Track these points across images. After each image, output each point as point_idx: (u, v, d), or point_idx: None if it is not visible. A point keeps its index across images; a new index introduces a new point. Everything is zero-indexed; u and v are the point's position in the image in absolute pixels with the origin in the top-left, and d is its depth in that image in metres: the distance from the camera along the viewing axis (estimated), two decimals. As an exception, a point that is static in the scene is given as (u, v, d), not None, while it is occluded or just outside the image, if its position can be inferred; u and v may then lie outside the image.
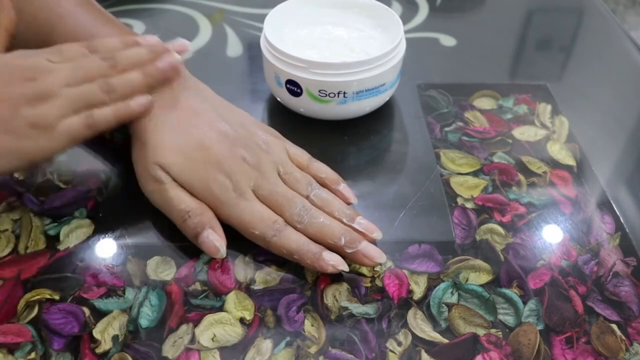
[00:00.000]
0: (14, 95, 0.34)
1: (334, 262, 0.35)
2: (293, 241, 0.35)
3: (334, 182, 0.39)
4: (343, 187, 0.39)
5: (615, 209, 0.40)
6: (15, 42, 0.43)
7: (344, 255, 0.35)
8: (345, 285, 0.36)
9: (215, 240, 0.35)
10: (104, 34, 0.41)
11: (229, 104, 0.41)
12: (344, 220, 0.37)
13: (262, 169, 0.37)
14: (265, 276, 0.36)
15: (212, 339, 0.33)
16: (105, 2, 0.61)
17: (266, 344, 0.33)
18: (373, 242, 0.36)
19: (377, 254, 0.35)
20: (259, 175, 0.37)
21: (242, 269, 0.36)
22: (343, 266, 0.35)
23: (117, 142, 0.45)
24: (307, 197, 0.38)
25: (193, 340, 0.33)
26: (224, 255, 0.36)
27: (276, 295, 0.35)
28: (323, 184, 0.39)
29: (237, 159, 0.37)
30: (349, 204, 0.39)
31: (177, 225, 0.37)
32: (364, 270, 0.36)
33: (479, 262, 0.37)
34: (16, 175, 0.42)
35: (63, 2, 0.43)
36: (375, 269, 0.36)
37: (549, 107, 0.49)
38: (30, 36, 0.42)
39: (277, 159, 0.38)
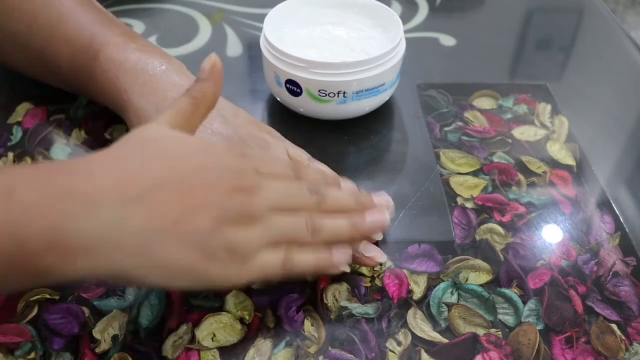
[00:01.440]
0: (218, 206, 0.28)
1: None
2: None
3: (334, 181, 0.39)
4: (342, 186, 0.39)
5: (615, 209, 0.40)
6: (16, 41, 0.43)
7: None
8: (345, 285, 0.36)
9: None
10: (105, 34, 0.41)
11: (229, 104, 0.41)
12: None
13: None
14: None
15: (212, 339, 0.33)
16: (105, 2, 0.61)
17: (266, 344, 0.33)
18: (374, 242, 0.36)
19: (377, 254, 0.35)
20: None
21: (242, 269, 0.36)
22: (346, 268, 0.34)
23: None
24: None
25: (193, 340, 0.33)
26: None
27: (276, 295, 0.35)
28: None
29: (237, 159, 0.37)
30: None
31: None
32: (364, 270, 0.36)
33: (479, 262, 0.37)
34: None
35: (64, 1, 0.43)
36: (375, 269, 0.36)
37: (549, 107, 0.49)
38: (31, 35, 0.42)
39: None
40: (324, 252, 0.32)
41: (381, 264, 0.36)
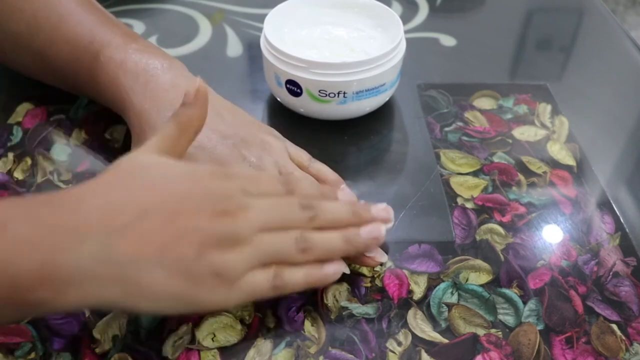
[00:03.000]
0: (203, 230, 0.28)
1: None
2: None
3: (334, 183, 0.39)
4: (343, 188, 0.39)
5: (615, 209, 0.40)
6: (16, 41, 0.43)
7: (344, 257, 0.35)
8: (345, 285, 0.36)
9: None
10: (105, 34, 0.41)
11: (229, 104, 0.41)
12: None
13: (263, 169, 0.37)
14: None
15: (212, 339, 0.33)
16: (105, 2, 0.61)
17: (266, 344, 0.33)
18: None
19: (378, 254, 0.35)
20: None
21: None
22: (345, 269, 0.34)
23: (117, 142, 0.45)
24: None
25: (193, 340, 0.33)
26: None
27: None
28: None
29: (238, 159, 0.37)
30: None
31: None
32: (364, 270, 0.36)
33: (479, 262, 0.37)
34: (16, 175, 0.42)
35: (64, 1, 0.43)
36: (375, 269, 0.36)
37: (549, 107, 0.49)
38: (31, 35, 0.42)
39: (278, 159, 0.38)
40: (315, 267, 0.32)
41: (382, 264, 0.36)
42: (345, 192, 0.39)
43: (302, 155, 0.40)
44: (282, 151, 0.39)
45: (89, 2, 0.44)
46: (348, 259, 0.35)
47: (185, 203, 0.28)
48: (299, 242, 0.31)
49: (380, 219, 0.34)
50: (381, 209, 0.35)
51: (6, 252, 0.25)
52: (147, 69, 0.40)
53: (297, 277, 0.31)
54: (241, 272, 0.29)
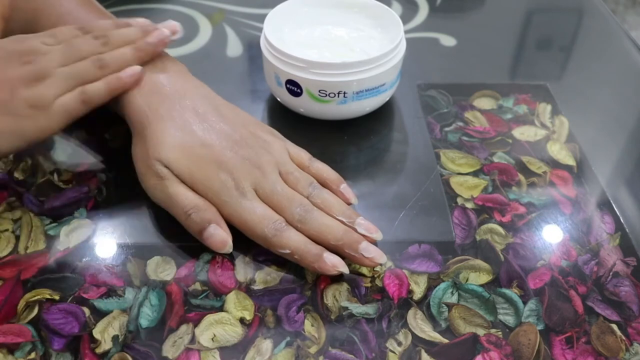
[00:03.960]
0: (11, 77, 0.35)
1: (333, 263, 0.35)
2: (293, 241, 0.35)
3: (335, 182, 0.39)
4: (344, 187, 0.39)
5: (615, 209, 0.40)
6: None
7: (344, 256, 0.35)
8: (345, 285, 0.36)
9: (221, 234, 0.35)
10: None
11: (229, 104, 0.41)
12: (345, 220, 0.36)
13: (263, 169, 0.37)
14: (265, 276, 0.36)
15: (212, 339, 0.33)
16: (105, 2, 0.61)
17: (266, 344, 0.33)
18: (374, 242, 0.36)
19: (377, 255, 0.35)
20: (261, 174, 0.37)
21: (242, 269, 0.36)
22: (343, 268, 0.35)
23: (117, 142, 0.45)
24: (308, 197, 0.37)
25: (193, 340, 0.33)
26: (231, 249, 0.36)
27: (276, 295, 0.35)
28: (324, 184, 0.39)
29: (238, 158, 0.37)
30: (349, 204, 0.39)
31: (181, 221, 0.37)
32: (364, 270, 0.36)
33: (479, 262, 0.37)
34: (16, 175, 0.42)
35: (64, 1, 0.43)
36: (375, 269, 0.36)
37: (549, 107, 0.49)
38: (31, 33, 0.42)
39: (278, 159, 0.38)
40: (113, 76, 0.38)
41: (381, 265, 0.36)
42: (346, 191, 0.39)
43: (302, 154, 0.40)
44: (283, 151, 0.39)
45: (89, 2, 0.44)
46: (348, 259, 0.35)
47: None
48: (95, 62, 0.38)
49: (162, 27, 0.42)
50: (168, 23, 0.43)
51: None
52: (147, 70, 0.40)
53: (99, 87, 0.38)
54: (51, 97, 0.36)
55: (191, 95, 0.39)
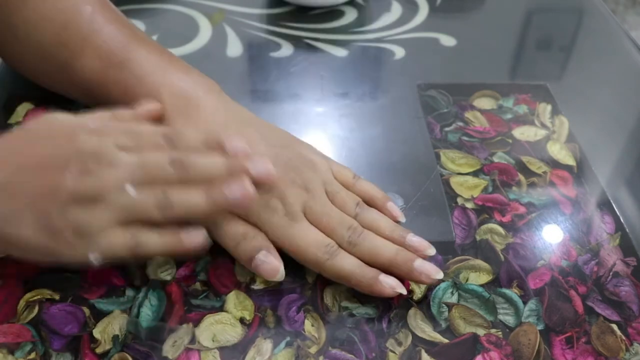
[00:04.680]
0: (67, 189, 0.29)
1: (391, 285, 0.33)
2: (347, 264, 0.34)
3: (381, 200, 0.38)
4: (390, 205, 0.38)
5: (615, 209, 0.40)
6: (40, 52, 0.42)
7: (399, 275, 0.34)
8: (345, 286, 0.36)
9: (272, 262, 0.34)
10: (139, 52, 0.41)
11: (269, 124, 0.40)
12: (396, 239, 0.35)
13: (311, 190, 0.36)
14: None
15: (212, 339, 0.33)
16: (105, 2, 0.61)
17: (266, 344, 0.33)
18: (425, 258, 0.35)
19: (433, 270, 0.34)
20: (309, 196, 0.36)
21: (242, 269, 0.36)
22: (401, 289, 0.33)
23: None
24: (355, 217, 0.36)
25: (193, 340, 0.33)
26: (282, 277, 0.34)
27: (276, 295, 0.35)
28: (369, 203, 0.38)
29: (286, 181, 0.36)
30: (397, 222, 0.38)
31: (230, 252, 0.35)
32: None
33: (479, 262, 0.37)
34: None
35: (96, 16, 0.42)
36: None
37: (549, 107, 0.49)
38: (59, 46, 0.41)
39: (324, 178, 0.37)
40: (173, 233, 0.31)
41: (439, 279, 0.34)
42: (393, 209, 0.38)
43: (347, 173, 0.39)
44: (327, 170, 0.38)
45: (119, 18, 0.43)
46: (403, 277, 0.34)
47: (56, 160, 0.30)
48: (159, 200, 0.31)
49: (253, 170, 0.32)
50: (260, 163, 0.33)
51: None
52: (189, 92, 0.39)
53: (154, 240, 0.31)
54: (97, 229, 0.30)
55: (231, 118, 0.38)
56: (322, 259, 0.34)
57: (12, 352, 0.32)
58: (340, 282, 0.35)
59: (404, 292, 0.33)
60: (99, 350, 0.32)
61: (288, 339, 0.33)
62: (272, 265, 0.34)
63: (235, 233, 0.34)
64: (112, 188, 0.30)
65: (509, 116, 0.48)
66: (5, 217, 0.30)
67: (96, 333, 0.33)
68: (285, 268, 0.36)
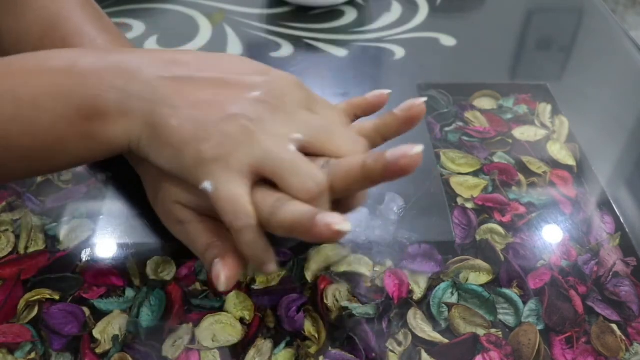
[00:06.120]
0: (243, 108, 0.30)
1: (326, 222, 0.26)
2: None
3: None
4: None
5: (615, 209, 0.40)
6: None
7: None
8: (345, 285, 0.36)
9: (220, 269, 0.30)
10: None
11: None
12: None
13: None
14: (265, 276, 0.36)
15: (212, 339, 0.33)
16: (105, 2, 0.61)
17: (266, 344, 0.33)
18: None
19: (335, 219, 0.26)
20: None
21: (242, 269, 0.36)
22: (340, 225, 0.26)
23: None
24: None
25: (193, 340, 0.33)
26: (224, 288, 0.30)
27: (276, 295, 0.35)
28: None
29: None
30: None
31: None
32: (364, 270, 0.36)
33: (479, 262, 0.37)
34: (16, 175, 0.42)
35: (72, 17, 0.40)
36: (375, 268, 0.36)
37: (549, 107, 0.49)
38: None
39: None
40: (311, 211, 0.27)
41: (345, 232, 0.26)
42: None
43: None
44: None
45: (101, 22, 0.42)
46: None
47: (241, 80, 0.31)
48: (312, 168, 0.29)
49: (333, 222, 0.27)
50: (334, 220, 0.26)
51: (74, 84, 0.30)
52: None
53: (291, 209, 0.28)
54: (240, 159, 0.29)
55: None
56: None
57: (12, 352, 0.32)
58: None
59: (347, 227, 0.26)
60: (99, 350, 0.32)
61: (288, 339, 0.33)
62: (216, 273, 0.30)
63: (203, 243, 0.32)
64: (280, 138, 0.29)
65: (509, 116, 0.48)
66: (163, 104, 0.29)
67: (96, 333, 0.33)
68: (284, 268, 0.36)
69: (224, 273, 0.30)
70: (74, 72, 0.30)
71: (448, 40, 0.58)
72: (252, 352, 0.32)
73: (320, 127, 0.31)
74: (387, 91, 0.36)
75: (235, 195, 0.28)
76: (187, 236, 0.33)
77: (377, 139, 0.35)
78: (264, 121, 0.29)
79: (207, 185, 0.29)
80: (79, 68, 0.30)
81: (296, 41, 0.57)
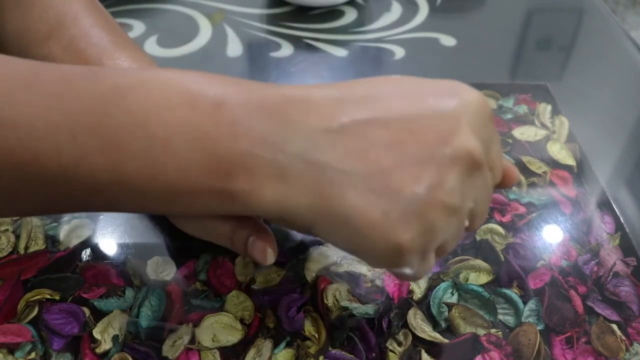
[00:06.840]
0: (440, 170, 0.24)
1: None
2: None
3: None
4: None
5: (615, 209, 0.40)
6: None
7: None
8: (345, 285, 0.36)
9: (264, 244, 0.30)
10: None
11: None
12: None
13: None
14: (265, 276, 0.36)
15: (212, 339, 0.33)
16: (105, 2, 0.61)
17: (266, 344, 0.33)
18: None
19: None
20: None
21: (242, 269, 0.36)
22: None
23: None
24: None
25: (193, 340, 0.33)
26: (272, 260, 0.31)
27: (276, 295, 0.35)
28: None
29: None
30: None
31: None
32: (364, 270, 0.36)
33: (479, 262, 0.37)
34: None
35: (78, 23, 0.39)
36: (375, 269, 0.36)
37: (549, 107, 0.49)
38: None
39: None
40: None
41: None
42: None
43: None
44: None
45: (106, 22, 0.41)
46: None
47: (437, 125, 0.24)
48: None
49: None
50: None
51: (217, 131, 0.23)
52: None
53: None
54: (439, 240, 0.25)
55: None
56: None
57: (12, 352, 0.32)
58: None
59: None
60: (99, 350, 0.32)
61: (288, 339, 0.33)
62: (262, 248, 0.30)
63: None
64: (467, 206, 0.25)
65: (509, 116, 0.48)
66: (329, 173, 0.23)
67: (96, 333, 0.33)
68: (284, 268, 0.36)
69: (269, 246, 0.29)
70: (219, 114, 0.24)
71: (448, 40, 0.58)
72: (252, 352, 0.32)
73: (490, 196, 0.27)
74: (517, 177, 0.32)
75: (428, 270, 0.26)
76: (204, 229, 0.32)
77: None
78: (458, 195, 0.24)
79: (406, 271, 0.25)
80: (227, 108, 0.24)
81: (296, 41, 0.57)
